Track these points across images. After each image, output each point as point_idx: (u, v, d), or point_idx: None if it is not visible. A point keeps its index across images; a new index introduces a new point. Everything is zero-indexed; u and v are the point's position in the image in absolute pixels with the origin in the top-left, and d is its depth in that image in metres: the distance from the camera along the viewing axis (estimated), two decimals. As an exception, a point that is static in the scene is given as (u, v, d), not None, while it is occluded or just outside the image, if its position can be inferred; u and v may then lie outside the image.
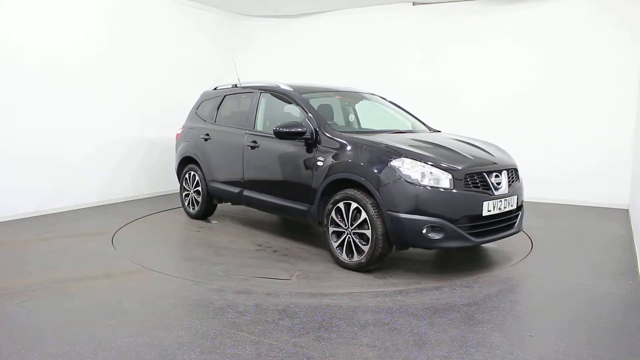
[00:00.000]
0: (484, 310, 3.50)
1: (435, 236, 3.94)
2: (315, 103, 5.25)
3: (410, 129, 5.40)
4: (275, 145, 5.07)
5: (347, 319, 3.28)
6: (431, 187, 3.96)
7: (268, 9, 8.90)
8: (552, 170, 7.41)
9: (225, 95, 6.16)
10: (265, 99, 5.57)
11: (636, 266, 4.43)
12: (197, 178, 6.23)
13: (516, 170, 4.59)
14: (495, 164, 4.35)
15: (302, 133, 4.68)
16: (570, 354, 2.83)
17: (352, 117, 5.71)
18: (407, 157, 4.06)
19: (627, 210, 6.84)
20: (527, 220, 6.13)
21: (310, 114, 4.83)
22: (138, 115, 7.56)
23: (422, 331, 3.11)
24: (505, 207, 4.27)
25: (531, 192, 7.47)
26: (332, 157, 4.46)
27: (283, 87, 5.31)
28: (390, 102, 5.87)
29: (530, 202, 7.40)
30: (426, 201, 3.94)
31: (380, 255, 4.13)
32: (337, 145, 4.47)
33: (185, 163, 6.47)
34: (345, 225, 4.30)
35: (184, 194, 6.55)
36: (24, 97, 6.07)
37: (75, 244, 5.07)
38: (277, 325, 3.17)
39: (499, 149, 4.86)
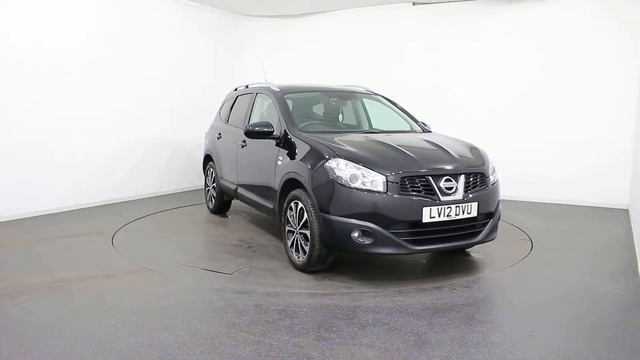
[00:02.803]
0: (484, 310, 3.50)
1: (366, 241, 3.80)
2: (300, 103, 5.36)
3: (399, 128, 5.32)
4: (257, 145, 5.20)
5: (347, 319, 3.28)
6: (362, 189, 3.81)
7: (267, 9, 8.90)
8: (552, 170, 7.41)
9: (237, 96, 6.35)
10: (259, 100, 5.71)
11: (636, 266, 4.43)
12: (214, 175, 6.49)
13: (483, 175, 4.21)
14: (450, 167, 4.05)
15: (269, 133, 4.76)
16: (570, 354, 2.83)
17: (340, 117, 5.71)
18: (342, 158, 3.96)
19: (627, 210, 6.84)
20: (527, 220, 6.18)
21: (281, 114, 4.89)
22: (138, 115, 7.56)
23: (422, 331, 3.11)
24: (457, 214, 3.94)
25: (531, 192, 7.51)
26: (288, 156, 4.50)
27: (272, 87, 5.39)
28: (389, 100, 5.81)
29: (530, 202, 7.43)
30: (355, 204, 3.80)
31: (319, 257, 4.06)
32: (294, 145, 4.49)
33: (207, 160, 6.79)
34: (296, 225, 4.29)
35: (206, 189, 6.89)
36: (24, 96, 6.07)
37: (74, 244, 5.07)
38: (277, 325, 3.17)
39: (473, 151, 4.50)
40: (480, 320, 3.30)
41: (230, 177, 6.00)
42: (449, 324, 3.23)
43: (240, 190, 5.71)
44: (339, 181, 3.87)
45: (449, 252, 4.77)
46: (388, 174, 3.84)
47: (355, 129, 5.48)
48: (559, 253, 4.92)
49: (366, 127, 5.59)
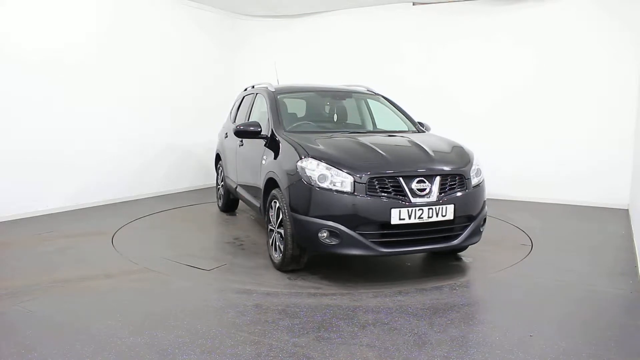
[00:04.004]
0: (484, 310, 3.50)
1: (332, 241, 3.78)
2: (295, 103, 5.41)
3: (394, 128, 5.26)
4: (250, 145, 5.28)
5: (347, 319, 3.28)
6: (330, 189, 3.79)
7: (267, 9, 8.90)
8: (553, 170, 7.41)
9: (243, 97, 6.45)
10: (259, 100, 5.76)
11: (636, 266, 4.43)
12: (223, 173, 6.65)
13: (462, 176, 4.06)
14: (424, 169, 3.94)
15: (257, 132, 4.80)
16: (570, 354, 2.83)
17: (335, 117, 5.69)
18: (313, 159, 3.95)
19: (627, 210, 6.84)
20: (527, 220, 6.18)
21: (270, 114, 4.93)
22: (137, 114, 7.56)
23: (422, 331, 3.11)
24: (430, 217, 3.83)
25: (531, 192, 7.51)
26: (272, 156, 4.54)
27: (269, 87, 5.43)
28: (388, 100, 5.75)
29: (530, 202, 7.43)
30: (323, 204, 3.79)
31: (292, 257, 4.06)
32: (278, 145, 4.51)
33: (217, 159, 6.94)
34: (274, 224, 4.31)
35: (216, 187, 7.07)
36: (24, 96, 6.07)
37: (75, 244, 5.07)
38: (277, 325, 3.17)
39: (456, 152, 4.36)
40: (480, 320, 3.31)
41: (232, 176, 6.13)
42: (449, 324, 3.23)
43: (239, 189, 5.81)
44: (308, 181, 3.87)
45: (442, 254, 4.70)
46: (357, 175, 3.79)
47: (356, 129, 5.45)
48: (558, 253, 4.92)
49: (370, 127, 5.56)
